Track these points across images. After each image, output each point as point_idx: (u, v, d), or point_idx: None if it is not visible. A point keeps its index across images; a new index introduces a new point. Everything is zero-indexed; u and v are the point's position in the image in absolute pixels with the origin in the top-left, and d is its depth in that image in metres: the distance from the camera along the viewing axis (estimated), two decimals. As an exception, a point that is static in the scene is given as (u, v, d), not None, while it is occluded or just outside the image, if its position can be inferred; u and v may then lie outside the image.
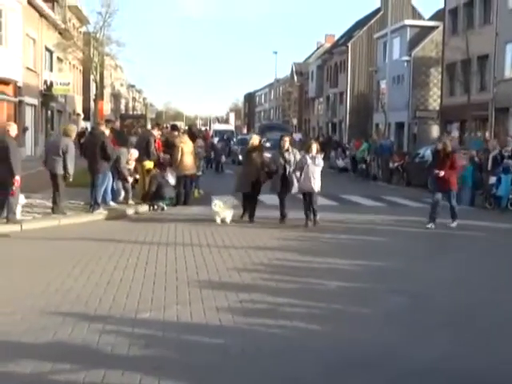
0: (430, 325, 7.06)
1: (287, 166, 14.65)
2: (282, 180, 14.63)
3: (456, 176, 15.21)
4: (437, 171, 14.60)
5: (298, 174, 14.47)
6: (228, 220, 14.46)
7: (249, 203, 15.13)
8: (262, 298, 7.88)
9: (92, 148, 15.05)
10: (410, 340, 6.51)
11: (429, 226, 14.54)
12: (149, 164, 17.00)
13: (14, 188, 12.73)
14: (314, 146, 14.71)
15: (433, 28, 50.30)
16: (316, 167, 14.42)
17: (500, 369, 5.79)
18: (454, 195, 14.98)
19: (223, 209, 14.45)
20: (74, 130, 14.94)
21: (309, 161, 14.39)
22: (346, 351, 6.08)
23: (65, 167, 14.10)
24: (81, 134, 39.62)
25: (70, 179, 14.40)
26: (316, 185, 14.45)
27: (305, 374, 5.48)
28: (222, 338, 6.34)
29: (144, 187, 16.77)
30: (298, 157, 14.83)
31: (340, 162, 36.73)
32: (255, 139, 15.75)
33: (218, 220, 14.35)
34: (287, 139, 15.19)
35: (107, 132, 16.08)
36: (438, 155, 15.07)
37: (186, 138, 17.86)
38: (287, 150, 14.89)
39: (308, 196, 14.51)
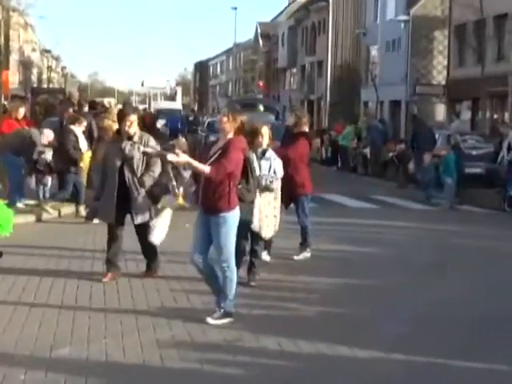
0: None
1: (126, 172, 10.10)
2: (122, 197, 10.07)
3: (308, 172, 11.97)
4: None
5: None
6: None
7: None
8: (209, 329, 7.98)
9: None
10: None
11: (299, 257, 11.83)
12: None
13: None
14: (266, 132, 10.57)
15: (438, -21, 50.77)
16: (270, 178, 10.43)
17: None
18: (305, 204, 11.77)
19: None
20: None
21: (255, 162, 9.87)
22: None
23: None
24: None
25: None
26: (267, 222, 10.39)
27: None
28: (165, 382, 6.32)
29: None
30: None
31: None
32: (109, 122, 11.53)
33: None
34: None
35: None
36: (288, 136, 12.00)
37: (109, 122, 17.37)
38: (131, 138, 10.19)
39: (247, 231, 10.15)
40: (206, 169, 7.92)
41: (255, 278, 10.22)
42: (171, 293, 9.51)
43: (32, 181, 16.71)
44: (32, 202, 16.36)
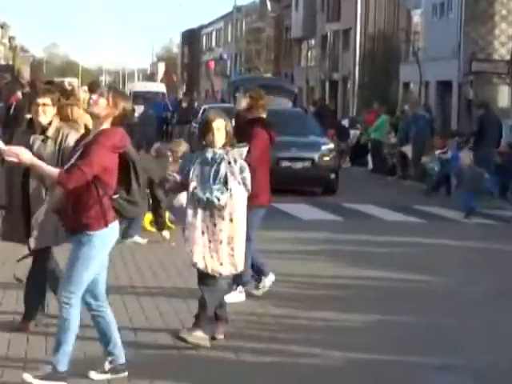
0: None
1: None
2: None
3: (267, 176, 11.78)
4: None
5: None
6: None
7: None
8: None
9: None
10: None
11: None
12: None
13: None
14: (221, 127, 9.59)
15: None
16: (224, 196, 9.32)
17: None
18: (255, 221, 11.20)
19: None
20: None
21: (196, 167, 9.59)
22: None
23: None
24: None
25: None
26: (209, 251, 9.33)
27: None
28: None
29: None
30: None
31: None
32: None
33: None
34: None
35: None
36: (240, 126, 11.57)
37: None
38: (44, 131, 9.71)
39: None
40: (53, 172, 7.42)
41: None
42: (153, 333, 9.46)
43: None
44: None
